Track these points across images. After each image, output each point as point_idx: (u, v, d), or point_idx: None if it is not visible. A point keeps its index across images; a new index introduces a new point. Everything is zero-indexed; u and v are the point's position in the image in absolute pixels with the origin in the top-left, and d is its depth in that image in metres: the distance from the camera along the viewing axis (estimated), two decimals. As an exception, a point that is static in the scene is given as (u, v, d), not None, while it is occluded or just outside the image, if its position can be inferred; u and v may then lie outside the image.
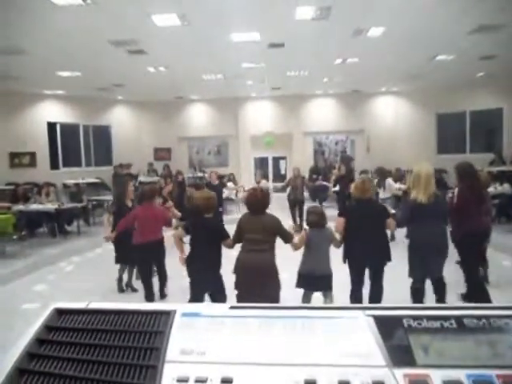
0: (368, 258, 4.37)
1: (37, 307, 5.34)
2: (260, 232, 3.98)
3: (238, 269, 3.99)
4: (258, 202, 4.14)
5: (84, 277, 6.75)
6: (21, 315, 5.04)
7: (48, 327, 0.97)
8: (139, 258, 5.41)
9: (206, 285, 4.29)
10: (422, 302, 4.45)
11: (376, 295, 4.44)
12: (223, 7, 6.63)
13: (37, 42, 8.01)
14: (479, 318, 0.93)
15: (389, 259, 4.42)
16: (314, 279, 4.20)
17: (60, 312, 1.03)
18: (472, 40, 8.59)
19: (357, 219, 4.36)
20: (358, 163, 15.18)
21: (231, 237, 4.28)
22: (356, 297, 4.47)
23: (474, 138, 14.27)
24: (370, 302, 4.40)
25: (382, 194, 9.23)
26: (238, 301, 3.84)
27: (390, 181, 9.35)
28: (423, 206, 4.28)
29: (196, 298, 4.25)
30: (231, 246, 4.26)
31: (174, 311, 1.00)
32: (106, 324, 0.97)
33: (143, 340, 0.92)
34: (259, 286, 3.81)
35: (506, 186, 9.49)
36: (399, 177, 11.93)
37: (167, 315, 0.99)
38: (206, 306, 1.05)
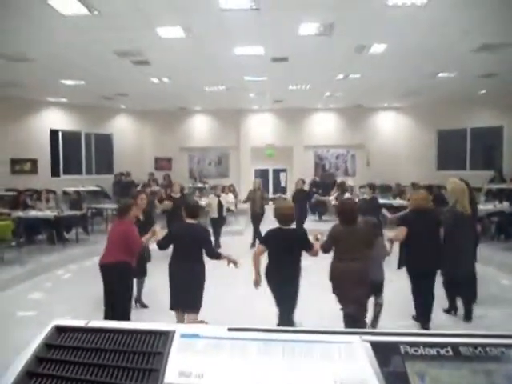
0: (426, 265, 4.68)
1: (32, 315, 5.32)
2: (353, 242, 4.10)
3: (334, 277, 4.17)
4: (351, 213, 4.23)
5: (81, 285, 6.70)
6: (16, 323, 5.02)
7: (48, 345, 0.98)
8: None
9: (287, 296, 4.22)
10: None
11: (427, 303, 4.74)
12: (228, 21, 6.70)
13: (42, 51, 8.08)
14: (475, 346, 0.93)
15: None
16: (372, 284, 4.34)
17: (60, 329, 1.03)
18: (474, 58, 8.65)
19: (418, 228, 4.67)
20: (358, 178, 15.26)
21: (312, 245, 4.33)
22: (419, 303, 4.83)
23: (475, 155, 14.30)
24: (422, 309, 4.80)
25: None
26: (340, 302, 4.17)
27: (346, 195, 10.16)
28: (466, 215, 4.85)
29: (282, 310, 4.23)
30: (316, 254, 4.28)
31: (173, 332, 1.00)
32: (106, 343, 0.98)
33: (142, 361, 0.93)
34: (353, 292, 3.99)
35: (506, 204, 9.46)
36: (399, 192, 12.01)
37: (166, 336, 0.99)
38: (205, 327, 1.05)
